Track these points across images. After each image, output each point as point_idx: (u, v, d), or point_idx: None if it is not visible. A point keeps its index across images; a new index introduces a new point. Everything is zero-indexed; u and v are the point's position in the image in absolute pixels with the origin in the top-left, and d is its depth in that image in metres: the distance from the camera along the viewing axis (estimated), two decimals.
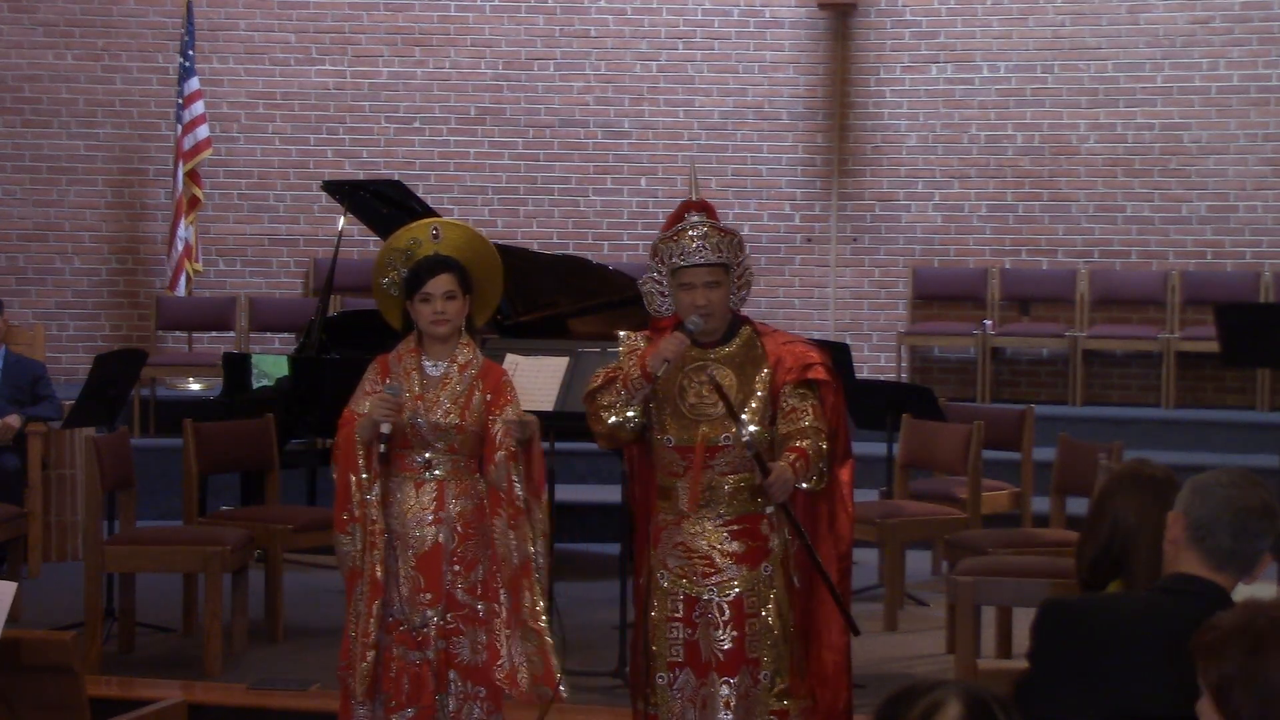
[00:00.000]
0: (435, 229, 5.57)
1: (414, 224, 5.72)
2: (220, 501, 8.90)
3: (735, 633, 4.90)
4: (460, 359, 5.35)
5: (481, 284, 5.51)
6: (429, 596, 5.24)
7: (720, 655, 4.90)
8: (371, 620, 5.23)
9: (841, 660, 5.06)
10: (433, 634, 5.23)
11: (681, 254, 4.93)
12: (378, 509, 5.26)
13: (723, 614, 4.90)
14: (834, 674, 5.04)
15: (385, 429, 5.20)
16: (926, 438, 8.31)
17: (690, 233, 4.94)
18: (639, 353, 4.98)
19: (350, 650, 5.29)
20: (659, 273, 5.00)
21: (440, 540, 5.25)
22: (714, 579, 4.92)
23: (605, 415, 4.96)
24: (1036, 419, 8.54)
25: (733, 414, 4.78)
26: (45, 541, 8.92)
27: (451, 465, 5.30)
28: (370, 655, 5.23)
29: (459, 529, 5.27)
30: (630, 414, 4.94)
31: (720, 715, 4.88)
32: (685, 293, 4.93)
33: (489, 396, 5.32)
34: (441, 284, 5.31)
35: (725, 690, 4.89)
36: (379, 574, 5.24)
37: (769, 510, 4.94)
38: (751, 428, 4.82)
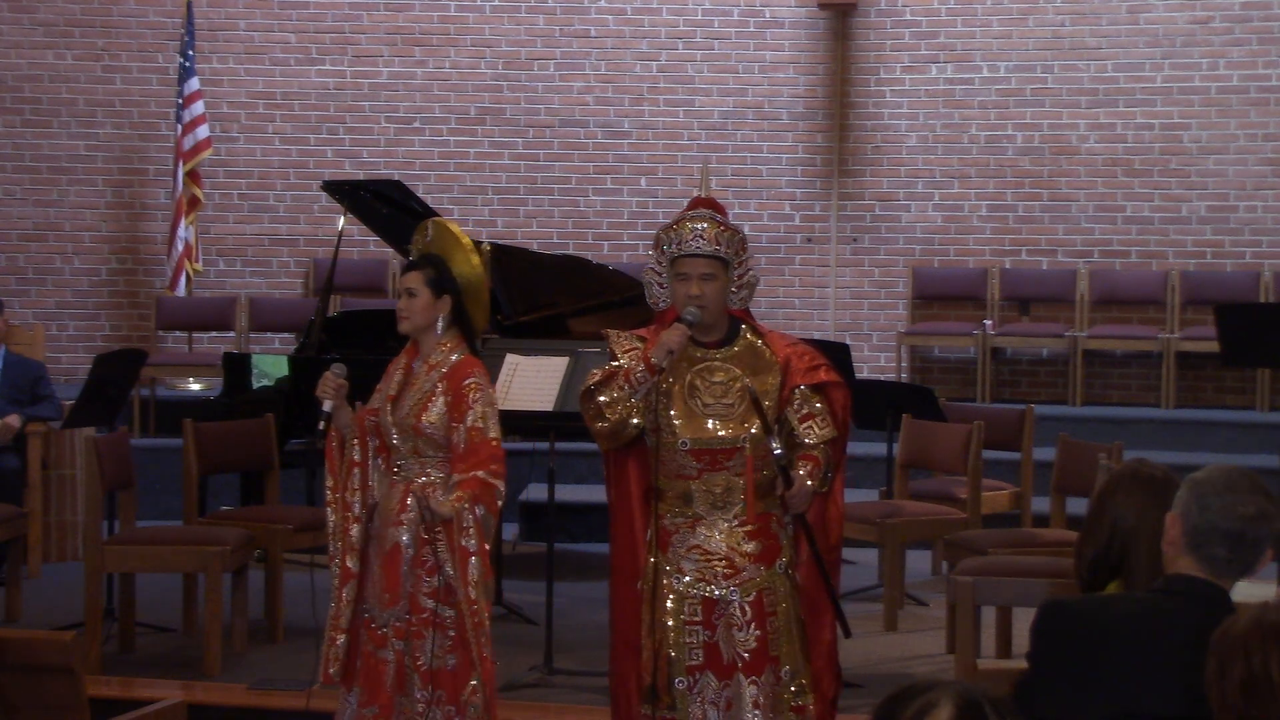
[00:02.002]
0: (427, 228, 5.56)
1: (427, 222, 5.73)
2: (220, 501, 8.90)
3: (758, 632, 4.91)
4: (433, 359, 5.27)
5: (467, 284, 5.39)
6: (387, 597, 5.23)
7: (746, 655, 4.89)
8: (343, 606, 5.26)
9: (833, 654, 5.08)
10: (390, 634, 5.23)
11: (679, 243, 4.94)
12: (357, 497, 5.29)
13: (744, 614, 4.90)
14: (826, 668, 5.05)
15: (326, 407, 5.25)
16: (926, 438, 8.31)
17: (690, 224, 4.95)
18: (637, 351, 4.97)
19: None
20: (659, 263, 5.00)
21: (400, 541, 5.21)
22: (734, 580, 4.92)
23: (608, 412, 4.92)
24: (1036, 419, 8.54)
25: (766, 426, 4.80)
26: (45, 541, 8.91)
27: (417, 467, 5.23)
28: (341, 639, 5.25)
29: (421, 533, 5.18)
30: (635, 410, 4.91)
31: (749, 714, 4.87)
32: (680, 283, 4.93)
33: (449, 398, 5.19)
34: (404, 280, 5.34)
35: (753, 690, 4.88)
36: (349, 563, 5.27)
37: (787, 519, 4.97)
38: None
